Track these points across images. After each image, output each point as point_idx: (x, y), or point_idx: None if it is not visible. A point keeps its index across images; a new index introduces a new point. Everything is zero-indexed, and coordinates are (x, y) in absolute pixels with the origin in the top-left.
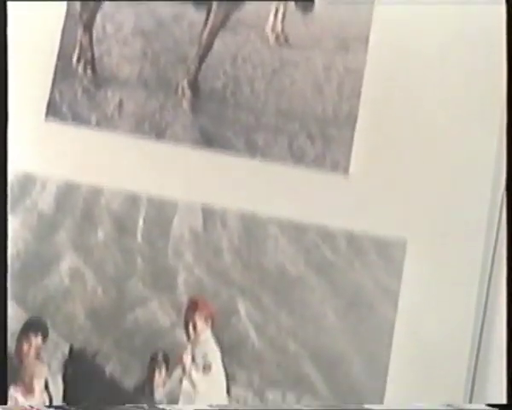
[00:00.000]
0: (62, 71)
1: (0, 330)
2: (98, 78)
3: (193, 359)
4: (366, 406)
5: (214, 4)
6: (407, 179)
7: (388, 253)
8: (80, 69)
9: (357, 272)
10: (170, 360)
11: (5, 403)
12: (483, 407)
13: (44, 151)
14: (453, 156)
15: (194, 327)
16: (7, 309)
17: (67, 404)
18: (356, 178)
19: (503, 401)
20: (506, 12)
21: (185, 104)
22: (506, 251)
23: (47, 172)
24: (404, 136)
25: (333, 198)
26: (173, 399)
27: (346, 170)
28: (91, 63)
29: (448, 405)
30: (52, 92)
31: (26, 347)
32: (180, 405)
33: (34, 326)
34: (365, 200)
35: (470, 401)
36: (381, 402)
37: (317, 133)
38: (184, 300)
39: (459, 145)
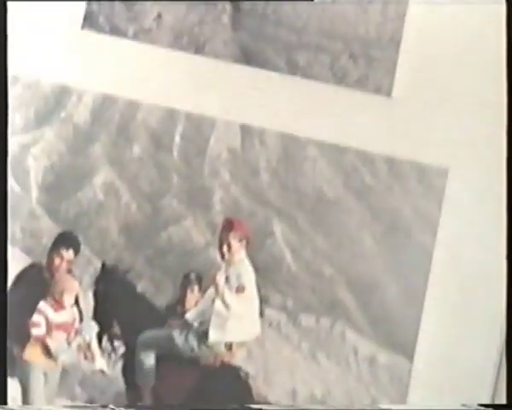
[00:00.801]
0: None
1: (1, 334)
2: None
3: (226, 279)
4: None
5: None
6: (451, 105)
7: (429, 180)
8: None
9: (396, 197)
10: (203, 280)
11: (5, 403)
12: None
13: (81, 63)
14: (498, 85)
15: (229, 248)
16: (7, 312)
17: (97, 321)
18: (399, 102)
19: (503, 401)
20: (506, 12)
21: (225, 19)
22: (506, 249)
23: (83, 85)
24: (449, 60)
25: (374, 121)
26: (205, 319)
27: (388, 93)
28: None
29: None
30: (89, 3)
31: (57, 261)
32: (210, 331)
33: (66, 240)
34: (408, 124)
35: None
36: (417, 330)
37: (359, 54)
38: (219, 219)
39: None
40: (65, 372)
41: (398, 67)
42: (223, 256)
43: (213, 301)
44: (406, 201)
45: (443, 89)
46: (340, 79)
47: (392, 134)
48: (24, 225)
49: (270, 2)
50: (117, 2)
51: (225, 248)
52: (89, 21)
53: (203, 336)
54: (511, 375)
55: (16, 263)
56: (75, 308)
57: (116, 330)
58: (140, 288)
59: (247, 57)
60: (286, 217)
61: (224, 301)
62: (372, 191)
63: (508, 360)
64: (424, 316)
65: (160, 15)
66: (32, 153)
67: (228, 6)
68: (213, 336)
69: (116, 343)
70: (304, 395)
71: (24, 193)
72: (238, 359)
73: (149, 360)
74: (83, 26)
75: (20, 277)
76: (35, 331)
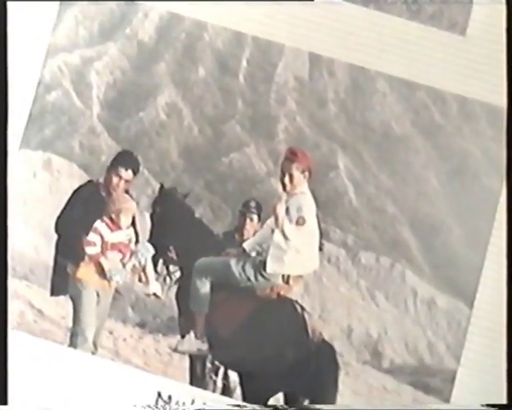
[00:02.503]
0: None
1: (0, 332)
2: None
3: (287, 211)
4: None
5: None
6: None
7: (500, 122)
8: None
9: (465, 138)
10: (262, 210)
11: (5, 403)
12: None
13: None
14: None
15: (291, 179)
16: (7, 308)
17: (153, 244)
18: (473, 41)
19: (503, 401)
20: (506, 12)
21: None
22: (506, 254)
23: (149, 1)
24: None
25: (447, 59)
26: (263, 250)
27: (463, 31)
28: None
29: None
30: None
31: (115, 180)
32: (268, 262)
33: (125, 160)
34: (482, 64)
35: None
36: (479, 276)
37: None
38: (283, 149)
39: None
40: (118, 294)
41: (475, 4)
42: (284, 187)
43: (272, 231)
44: (475, 143)
45: None
46: (414, 13)
47: (464, 73)
48: (83, 141)
49: None
50: None
51: (287, 179)
52: None
53: (260, 266)
54: (511, 375)
55: (73, 180)
56: (131, 230)
57: (172, 254)
58: (198, 213)
59: None
60: (351, 151)
61: (283, 233)
62: (441, 131)
63: (508, 360)
64: (487, 263)
65: None
66: (95, 68)
67: None
68: (271, 267)
69: (171, 268)
70: (359, 333)
71: (85, 108)
72: (295, 292)
73: (205, 287)
74: None
75: (77, 194)
76: (90, 250)
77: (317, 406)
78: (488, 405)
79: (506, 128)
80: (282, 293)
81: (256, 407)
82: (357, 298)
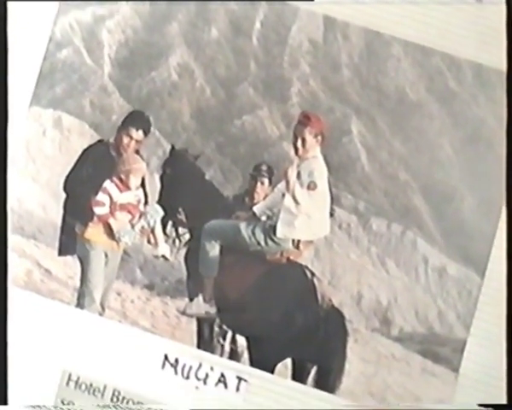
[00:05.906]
0: None
1: (0, 333)
2: None
3: (298, 175)
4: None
5: None
6: None
7: None
8: None
9: (480, 106)
10: (274, 174)
11: (5, 403)
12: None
13: None
14: None
15: (303, 143)
16: (7, 314)
17: (162, 205)
18: (490, 8)
19: (503, 401)
20: (506, 12)
21: None
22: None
23: None
24: None
25: (463, 25)
26: (273, 214)
27: None
28: None
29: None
30: None
31: (126, 140)
32: (278, 227)
33: (136, 120)
34: (498, 31)
35: None
36: (490, 245)
37: None
38: (296, 112)
39: None
40: (126, 255)
41: None
42: (296, 151)
43: (283, 196)
44: (490, 110)
45: None
46: None
47: (480, 40)
48: (94, 100)
49: None
50: None
51: (299, 143)
52: None
53: (270, 230)
54: (511, 375)
55: (84, 139)
56: (141, 190)
57: (181, 216)
58: (208, 175)
59: None
60: (365, 116)
61: (294, 197)
62: (456, 97)
63: (508, 360)
64: (498, 232)
65: None
66: (107, 26)
67: None
68: (281, 231)
69: (181, 230)
70: (369, 300)
71: (96, 67)
72: (305, 258)
73: (214, 250)
74: None
75: (87, 153)
76: (98, 210)
77: None
78: (487, 405)
79: (506, 144)
80: (291, 258)
81: None
82: (368, 265)
